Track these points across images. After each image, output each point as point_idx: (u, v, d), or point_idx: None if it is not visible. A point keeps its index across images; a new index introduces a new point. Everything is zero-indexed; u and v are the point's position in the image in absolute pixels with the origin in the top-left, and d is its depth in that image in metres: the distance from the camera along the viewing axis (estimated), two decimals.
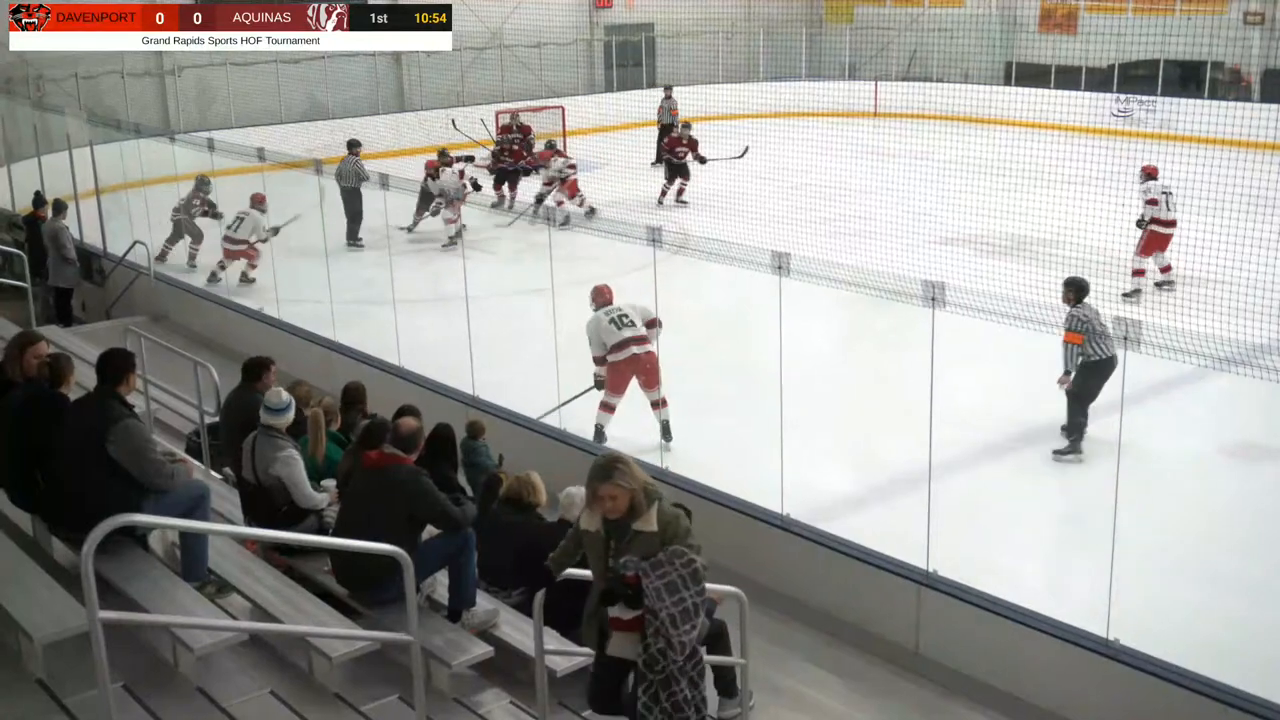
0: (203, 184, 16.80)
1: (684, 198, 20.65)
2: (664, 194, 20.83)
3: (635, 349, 9.92)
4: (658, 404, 10.07)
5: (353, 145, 17.94)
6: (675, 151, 20.96)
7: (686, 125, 21.58)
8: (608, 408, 10.13)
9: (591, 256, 15.46)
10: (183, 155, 19.90)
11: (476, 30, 26.65)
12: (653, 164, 23.48)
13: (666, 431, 10.06)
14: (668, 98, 25.25)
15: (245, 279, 15.61)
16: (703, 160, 20.58)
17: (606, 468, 4.76)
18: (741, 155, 20.20)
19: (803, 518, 8.18)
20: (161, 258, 16.41)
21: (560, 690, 6.09)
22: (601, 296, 10.34)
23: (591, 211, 17.87)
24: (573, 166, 19.44)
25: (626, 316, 10.06)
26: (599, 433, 10.07)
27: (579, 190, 19.01)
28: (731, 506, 8.43)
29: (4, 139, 20.37)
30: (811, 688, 7.21)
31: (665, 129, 23.78)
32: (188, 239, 16.86)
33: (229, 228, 15.68)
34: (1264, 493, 9.44)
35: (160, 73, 24.90)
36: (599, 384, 10.19)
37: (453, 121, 22.07)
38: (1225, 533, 8.77)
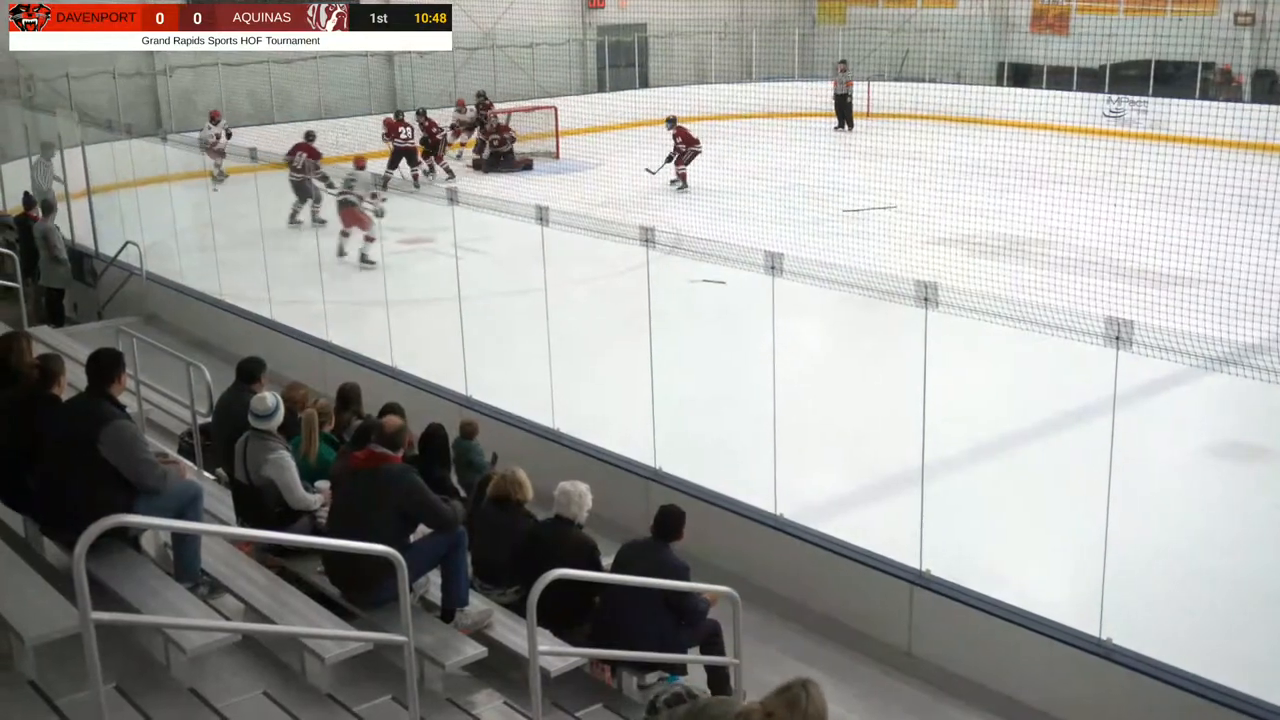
0: None
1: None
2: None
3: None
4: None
5: (47, 148, 17.27)
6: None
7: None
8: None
9: (584, 256, 15.46)
10: (174, 155, 19.86)
11: (469, 30, 26.62)
12: (835, 129, 28.42)
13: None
14: (843, 72, 28.67)
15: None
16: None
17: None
18: None
19: (796, 518, 8.19)
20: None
21: (554, 691, 6.09)
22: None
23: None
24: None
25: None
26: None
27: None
28: (725, 506, 8.44)
29: None
30: None
31: (840, 99, 28.59)
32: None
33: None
34: (1255, 492, 9.47)
35: (151, 73, 24.85)
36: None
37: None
38: (1217, 532, 8.80)
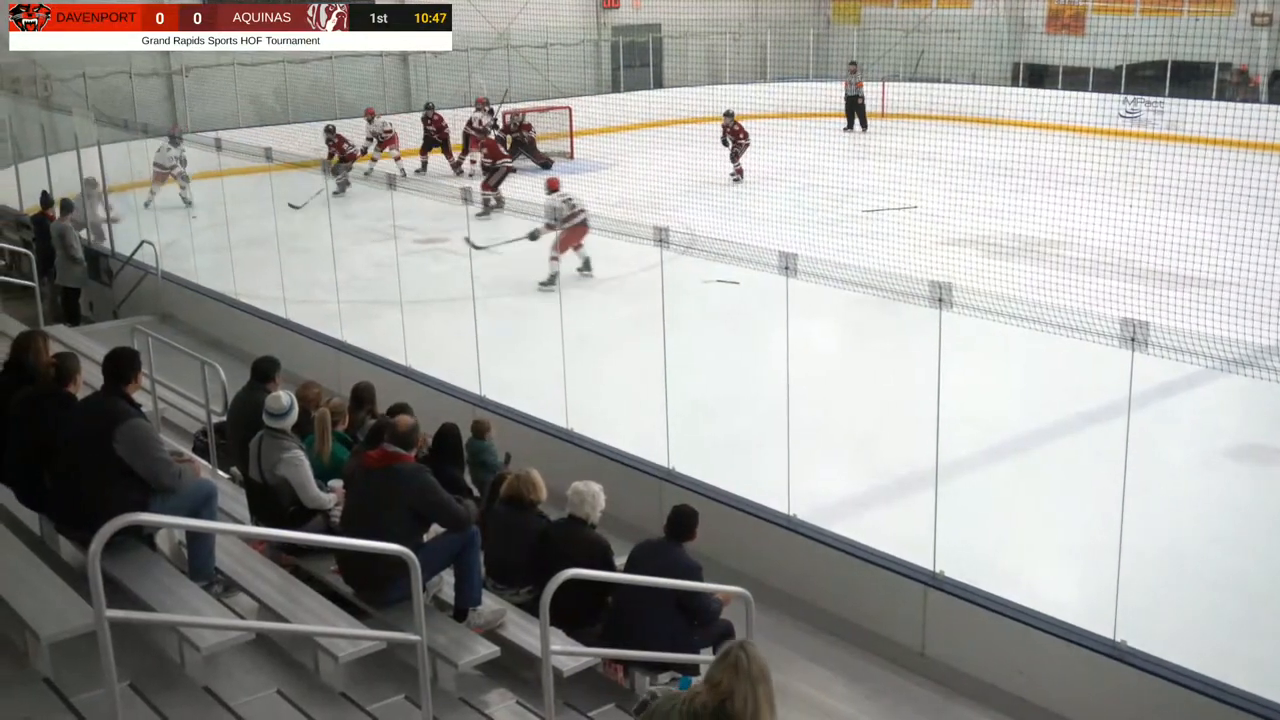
0: None
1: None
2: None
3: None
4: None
5: (89, 184, 16.32)
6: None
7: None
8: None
9: (598, 256, 15.47)
10: (190, 154, 19.91)
11: (483, 30, 26.67)
12: (845, 129, 28.38)
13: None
14: (853, 73, 28.94)
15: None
16: None
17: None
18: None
19: (809, 518, 8.18)
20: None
21: (566, 690, 6.09)
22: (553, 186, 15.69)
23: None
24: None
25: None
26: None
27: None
28: (738, 507, 8.43)
29: (12, 139, 20.43)
30: (816, 689, 7.20)
31: (851, 100, 28.81)
32: None
33: None
34: (1271, 494, 9.43)
35: (167, 72, 24.96)
36: (534, 236, 14.72)
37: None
38: (1231, 534, 8.76)
